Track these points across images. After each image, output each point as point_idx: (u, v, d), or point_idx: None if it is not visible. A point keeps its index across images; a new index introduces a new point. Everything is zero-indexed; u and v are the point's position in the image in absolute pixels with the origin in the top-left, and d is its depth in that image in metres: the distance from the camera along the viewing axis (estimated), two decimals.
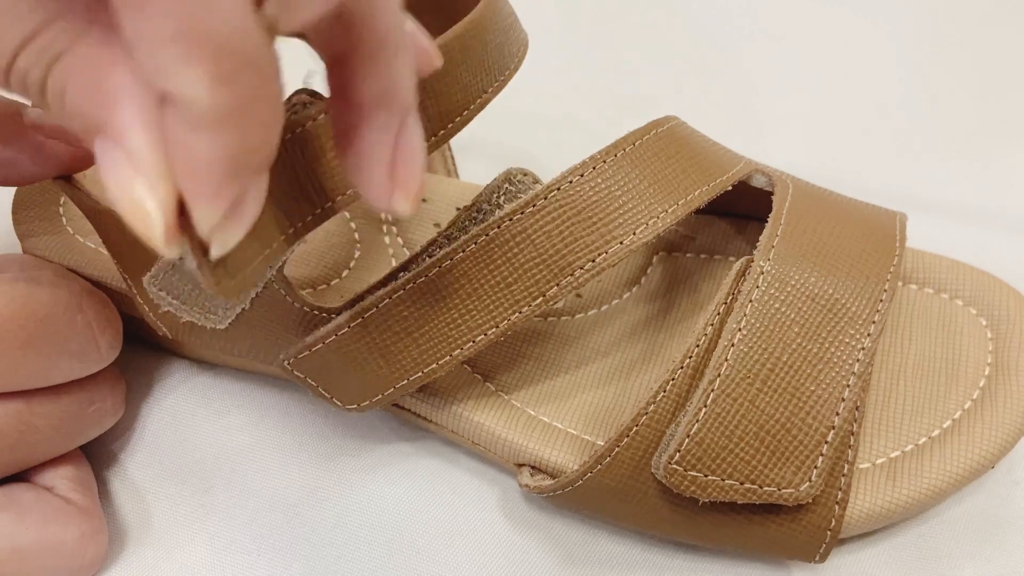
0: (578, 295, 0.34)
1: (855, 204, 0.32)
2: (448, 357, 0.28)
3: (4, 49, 0.18)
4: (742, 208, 0.34)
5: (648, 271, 0.35)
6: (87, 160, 0.28)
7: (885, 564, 0.31)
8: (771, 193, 0.31)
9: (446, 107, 0.26)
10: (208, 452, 0.34)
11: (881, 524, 0.30)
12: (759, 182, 0.31)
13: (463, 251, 0.27)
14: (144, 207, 0.18)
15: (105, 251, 0.31)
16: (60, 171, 0.28)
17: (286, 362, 0.29)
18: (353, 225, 0.35)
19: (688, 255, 0.35)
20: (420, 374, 0.28)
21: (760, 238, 0.29)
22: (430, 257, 0.28)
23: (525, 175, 0.30)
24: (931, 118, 0.46)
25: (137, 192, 0.18)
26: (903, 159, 0.44)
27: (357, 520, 0.32)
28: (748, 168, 0.31)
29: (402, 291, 0.27)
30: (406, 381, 0.29)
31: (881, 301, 0.28)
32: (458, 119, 0.27)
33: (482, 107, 0.27)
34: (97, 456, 0.33)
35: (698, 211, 0.36)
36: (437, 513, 0.32)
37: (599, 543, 0.32)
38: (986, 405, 0.30)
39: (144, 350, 0.36)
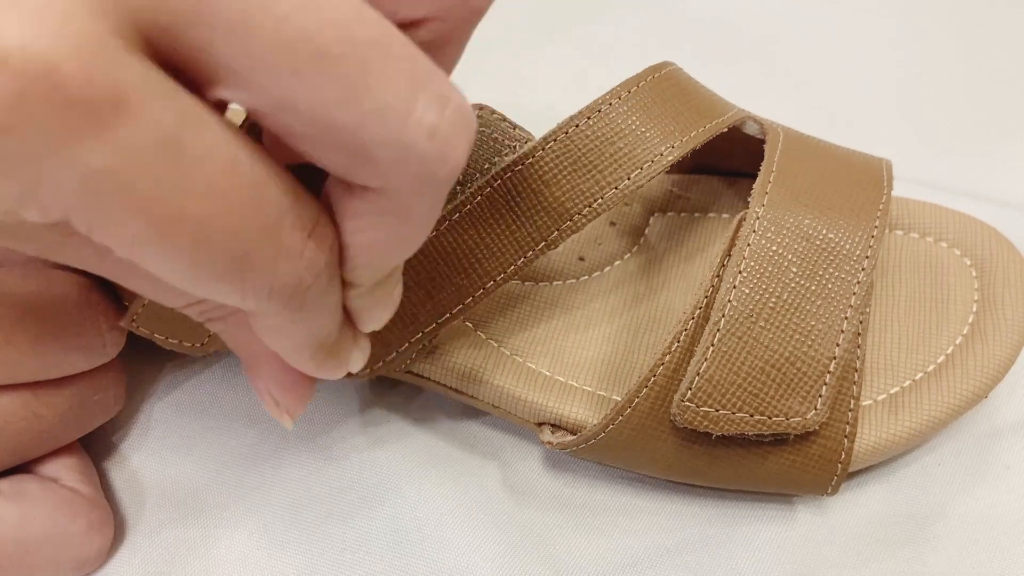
0: (581, 258, 0.35)
1: (843, 151, 0.33)
2: (461, 305, 0.29)
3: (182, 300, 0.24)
4: (734, 165, 0.35)
5: (646, 232, 0.36)
6: None
7: (879, 541, 0.32)
8: (762, 145, 0.32)
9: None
10: (212, 448, 0.34)
11: (887, 456, 0.31)
12: (751, 129, 0.33)
13: (471, 204, 0.28)
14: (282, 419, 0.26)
15: None
16: None
17: None
18: None
19: (683, 214, 0.36)
20: (434, 325, 0.30)
21: (754, 186, 0.30)
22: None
23: (482, 109, 0.30)
24: (930, 112, 0.46)
25: (275, 411, 0.26)
26: (903, 154, 0.44)
27: (364, 512, 0.32)
28: (741, 114, 0.32)
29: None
30: (421, 334, 0.30)
31: (873, 237, 0.30)
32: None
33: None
34: (97, 449, 0.33)
35: (690, 170, 0.37)
36: (443, 499, 0.33)
37: (609, 512, 0.33)
38: (976, 339, 0.32)
39: (149, 341, 0.36)
